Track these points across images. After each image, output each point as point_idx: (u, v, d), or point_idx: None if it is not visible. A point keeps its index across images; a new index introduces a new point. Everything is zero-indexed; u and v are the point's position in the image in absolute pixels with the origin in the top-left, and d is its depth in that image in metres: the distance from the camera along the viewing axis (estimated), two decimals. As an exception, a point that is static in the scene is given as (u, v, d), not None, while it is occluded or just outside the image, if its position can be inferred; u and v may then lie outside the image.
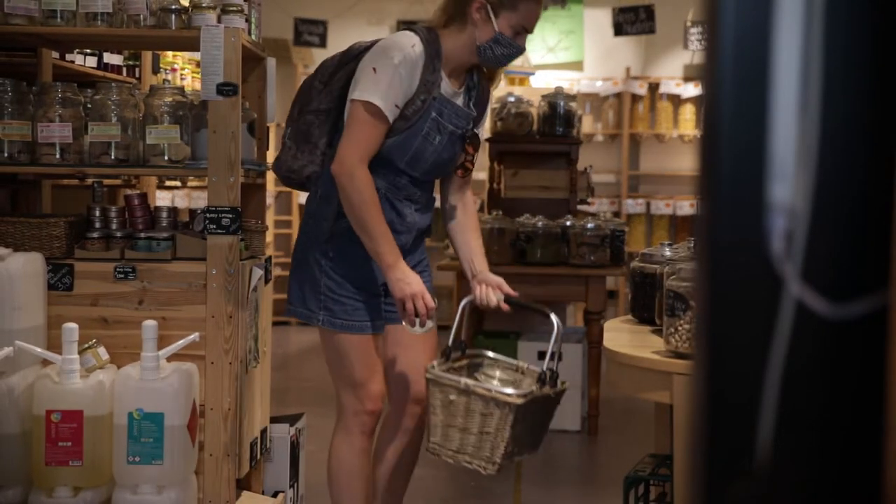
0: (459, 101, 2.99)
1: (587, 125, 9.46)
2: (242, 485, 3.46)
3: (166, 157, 3.31)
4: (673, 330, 2.53)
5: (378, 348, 3.04)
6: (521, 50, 2.98)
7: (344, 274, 2.95)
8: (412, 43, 2.88)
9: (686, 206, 9.44)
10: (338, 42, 9.69)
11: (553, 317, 2.93)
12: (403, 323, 2.85)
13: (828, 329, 0.95)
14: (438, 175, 3.08)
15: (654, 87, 9.65)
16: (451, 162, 3.04)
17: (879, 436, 0.92)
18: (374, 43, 2.98)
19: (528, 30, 2.95)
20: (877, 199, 0.94)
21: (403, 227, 2.98)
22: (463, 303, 3.02)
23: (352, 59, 2.99)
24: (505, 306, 3.00)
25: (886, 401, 0.91)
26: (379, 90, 2.82)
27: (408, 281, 2.81)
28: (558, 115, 5.91)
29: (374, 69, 2.84)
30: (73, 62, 4.59)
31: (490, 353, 3.06)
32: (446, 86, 2.96)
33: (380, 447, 3.15)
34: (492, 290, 3.01)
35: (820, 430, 0.96)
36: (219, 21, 3.27)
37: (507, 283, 3.03)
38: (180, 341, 3.10)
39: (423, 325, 2.82)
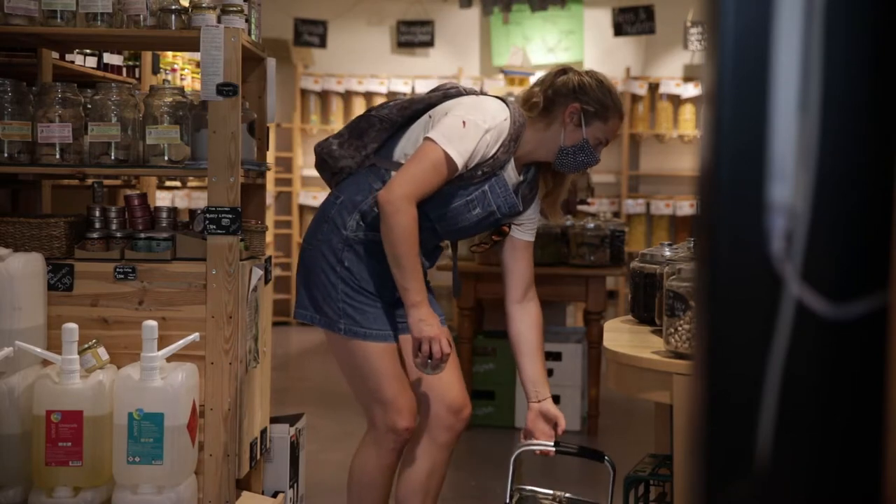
0: (512, 188, 2.97)
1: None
2: (242, 485, 3.46)
3: (166, 158, 3.31)
4: (673, 330, 2.53)
5: (399, 359, 2.99)
6: (597, 161, 2.98)
7: (359, 282, 2.92)
8: (504, 117, 2.87)
9: (686, 207, 9.44)
10: (338, 42, 9.71)
11: (607, 461, 3.00)
12: (415, 361, 2.80)
13: (828, 329, 0.95)
14: (456, 238, 3.11)
15: (653, 88, 9.65)
16: (473, 235, 3.09)
17: (879, 436, 0.92)
18: (465, 91, 2.99)
19: (608, 142, 2.97)
20: (877, 200, 0.94)
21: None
22: (515, 454, 2.98)
23: (441, 96, 2.99)
24: (551, 452, 3.01)
25: (886, 401, 0.91)
26: (461, 146, 2.79)
27: (429, 322, 2.77)
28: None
29: (465, 123, 2.81)
30: (73, 62, 4.59)
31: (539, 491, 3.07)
32: (510, 170, 2.95)
33: (408, 461, 3.07)
34: (547, 428, 3.05)
35: (820, 431, 0.96)
36: (219, 21, 3.27)
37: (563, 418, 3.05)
38: (180, 341, 3.10)
39: (434, 367, 2.79)
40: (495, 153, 2.86)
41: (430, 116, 2.94)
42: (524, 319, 3.08)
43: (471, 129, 2.80)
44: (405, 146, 2.95)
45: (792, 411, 0.95)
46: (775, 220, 0.95)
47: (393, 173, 2.90)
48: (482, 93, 3.03)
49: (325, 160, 3.05)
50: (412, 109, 2.97)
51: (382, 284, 2.92)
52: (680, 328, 2.51)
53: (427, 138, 2.81)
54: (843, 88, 0.96)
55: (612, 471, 3.09)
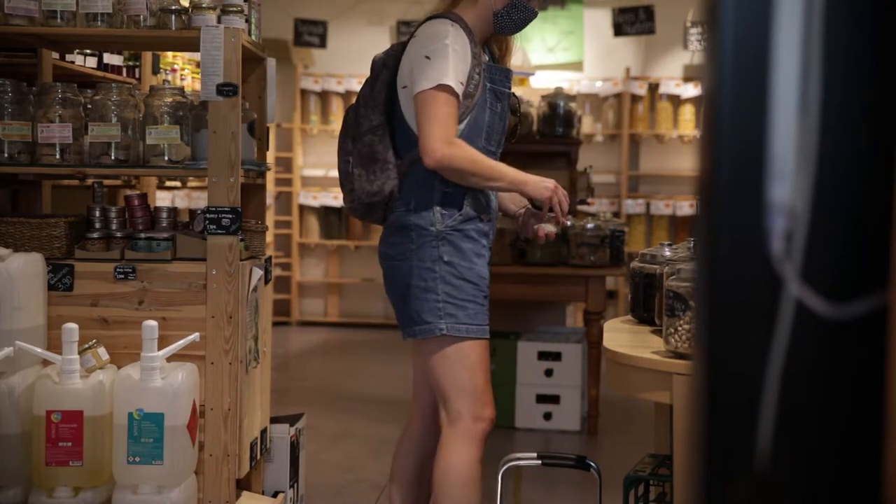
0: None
1: (587, 125, 9.47)
2: (242, 485, 3.46)
3: (166, 158, 3.31)
4: (673, 330, 2.53)
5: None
6: (535, 14, 2.99)
7: (461, 275, 2.90)
8: (448, 24, 2.88)
9: (686, 207, 9.44)
10: (338, 42, 9.70)
11: (593, 469, 3.06)
12: (542, 226, 2.96)
13: (827, 329, 0.95)
14: (505, 145, 3.10)
15: (653, 88, 9.65)
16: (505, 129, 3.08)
17: (879, 436, 0.92)
18: (395, 48, 2.99)
19: None
20: (876, 199, 0.94)
21: (492, 213, 3.01)
22: (501, 470, 3.11)
23: (380, 69, 2.99)
24: (550, 234, 3.06)
25: (886, 401, 0.92)
26: (441, 72, 2.80)
27: (544, 180, 2.89)
28: (558, 116, 5.91)
29: (427, 57, 2.82)
30: (73, 63, 4.59)
31: None
32: (484, 55, 2.99)
33: (404, 462, 3.12)
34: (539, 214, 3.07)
35: (819, 431, 0.96)
36: (219, 21, 3.27)
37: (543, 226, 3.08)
38: (180, 341, 3.10)
39: (560, 221, 2.93)
40: (472, 54, 2.88)
41: (402, 78, 2.93)
42: None
43: (436, 56, 2.82)
44: (411, 120, 2.92)
45: (792, 411, 0.95)
46: (775, 220, 0.95)
47: None
48: (419, 24, 3.00)
49: (372, 202, 2.95)
50: (381, 96, 2.96)
51: (480, 272, 2.93)
52: (680, 328, 2.51)
53: (415, 96, 2.84)
54: (843, 88, 0.96)
55: (598, 478, 3.09)
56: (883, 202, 0.94)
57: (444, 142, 2.78)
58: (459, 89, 2.82)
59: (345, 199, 3.04)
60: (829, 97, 0.95)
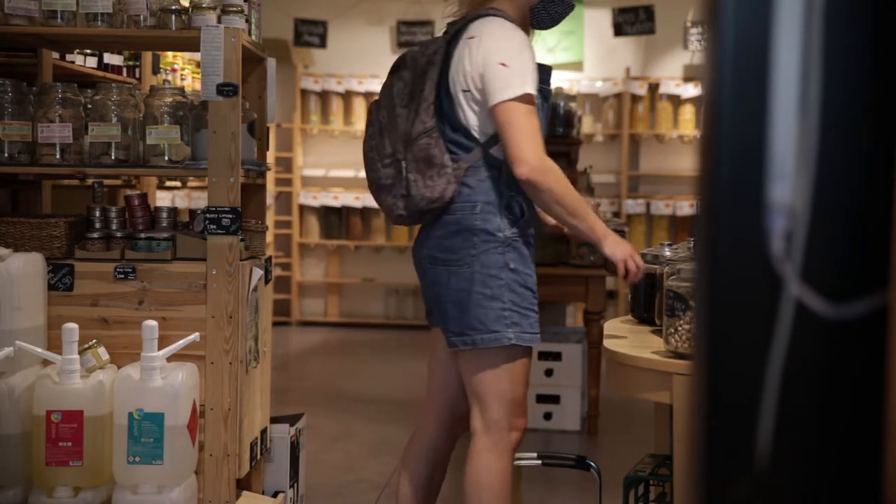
0: None
1: (587, 125, 9.47)
2: (242, 485, 3.46)
3: (166, 158, 3.31)
4: (673, 330, 2.53)
5: None
6: (572, 6, 2.94)
7: (524, 283, 2.84)
8: (510, 24, 2.82)
9: (686, 207, 9.44)
10: (338, 42, 9.71)
11: (594, 469, 3.06)
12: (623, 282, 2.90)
13: (827, 329, 0.95)
14: None
15: (653, 88, 9.65)
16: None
17: (879, 436, 0.92)
18: (437, 44, 2.89)
19: None
20: (877, 199, 0.94)
21: (534, 218, 2.95)
22: None
23: (426, 67, 2.87)
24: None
25: (886, 401, 0.92)
26: (522, 81, 2.74)
27: (622, 243, 2.84)
28: (558, 116, 5.91)
29: (503, 64, 2.75)
30: (73, 62, 4.59)
31: None
32: None
33: (415, 464, 3.08)
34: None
35: (819, 431, 0.96)
36: (219, 21, 3.27)
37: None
38: (180, 341, 3.10)
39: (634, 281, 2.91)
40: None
41: (459, 83, 2.83)
42: None
43: (513, 63, 2.75)
44: (472, 124, 2.84)
45: (792, 411, 0.95)
46: (775, 220, 0.95)
47: (493, 151, 2.83)
48: (466, 21, 2.89)
49: (430, 209, 2.82)
50: (432, 97, 2.84)
51: (534, 280, 2.88)
52: (680, 328, 2.51)
53: (494, 106, 2.74)
54: (843, 88, 0.96)
55: (598, 478, 3.09)
56: (883, 202, 0.94)
57: (539, 157, 2.72)
58: (534, 96, 2.77)
59: (391, 206, 2.88)
60: (829, 97, 0.95)
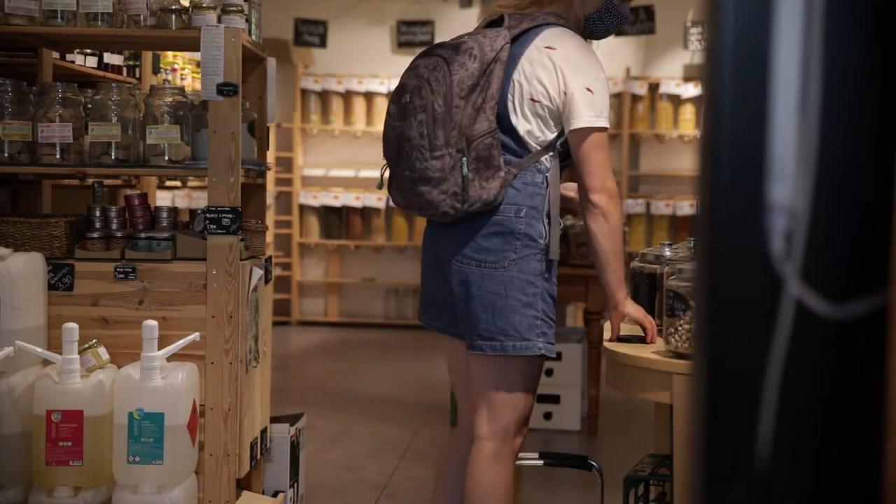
0: None
1: (587, 125, 9.46)
2: (242, 485, 3.46)
3: (166, 158, 3.31)
4: (673, 330, 2.53)
5: None
6: (626, 18, 2.92)
7: (552, 293, 2.83)
8: (582, 40, 2.83)
9: (686, 207, 9.44)
10: (338, 42, 9.71)
11: (595, 469, 3.04)
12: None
13: (827, 329, 0.95)
14: None
15: (653, 88, 9.65)
16: None
17: (879, 436, 0.92)
18: (499, 36, 2.77)
19: None
20: (876, 199, 0.94)
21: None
22: None
23: (492, 61, 2.74)
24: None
25: (886, 401, 0.92)
26: (604, 111, 2.80)
27: (639, 308, 2.84)
28: (558, 116, 5.90)
29: (590, 90, 2.77)
30: (73, 62, 4.59)
31: None
32: None
33: (453, 483, 2.98)
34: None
35: (820, 431, 0.96)
36: (219, 21, 3.27)
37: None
38: (180, 341, 3.10)
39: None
40: None
41: (526, 90, 2.78)
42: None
43: (598, 89, 2.79)
44: (526, 132, 2.79)
45: (792, 411, 0.95)
46: (775, 220, 0.95)
47: (543, 159, 2.80)
48: (539, 25, 2.82)
49: (481, 210, 2.72)
50: (497, 95, 2.74)
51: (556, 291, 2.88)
52: (680, 328, 2.51)
53: (578, 130, 2.76)
54: (843, 88, 0.96)
55: (600, 477, 3.09)
56: (883, 202, 0.94)
57: (613, 186, 2.81)
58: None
59: (436, 202, 2.72)
60: (829, 97, 0.95)
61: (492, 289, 2.75)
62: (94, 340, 3.11)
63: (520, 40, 2.82)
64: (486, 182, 2.71)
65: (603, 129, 2.79)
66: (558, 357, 5.62)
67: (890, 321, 0.92)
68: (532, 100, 2.78)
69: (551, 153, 2.82)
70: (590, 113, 2.77)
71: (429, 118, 2.70)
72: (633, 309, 2.82)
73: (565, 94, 2.77)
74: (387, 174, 2.85)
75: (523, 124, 2.79)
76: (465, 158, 2.68)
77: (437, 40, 9.62)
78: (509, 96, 2.79)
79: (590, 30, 2.89)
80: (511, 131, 2.79)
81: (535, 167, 2.80)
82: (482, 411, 2.85)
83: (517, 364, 2.80)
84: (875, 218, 0.95)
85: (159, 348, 3.05)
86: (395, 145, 2.76)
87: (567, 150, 2.86)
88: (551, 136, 2.81)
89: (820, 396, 0.95)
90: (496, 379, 2.82)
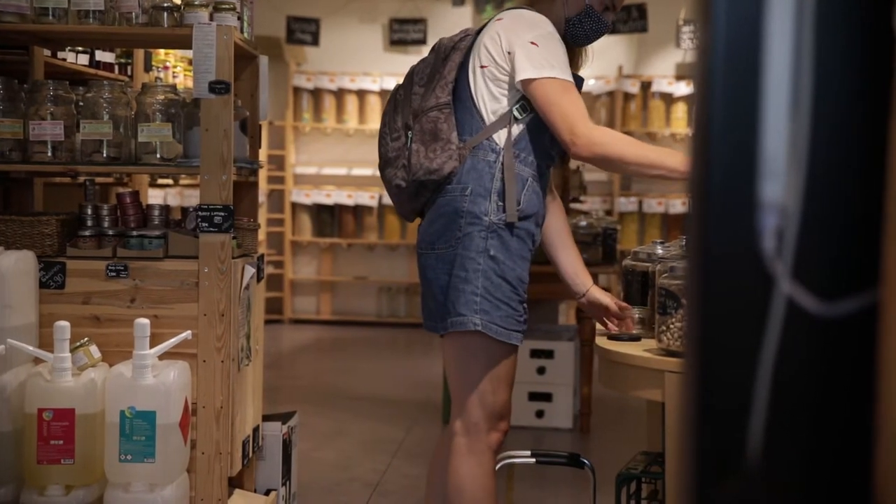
0: None
1: (579, 123, 9.47)
2: (235, 483, 3.45)
3: (158, 156, 3.31)
4: (665, 328, 2.54)
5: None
6: (607, 27, 2.89)
7: (502, 273, 2.75)
8: (546, 20, 2.80)
9: (678, 205, 9.45)
10: (330, 40, 9.70)
11: (588, 467, 3.04)
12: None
13: (818, 327, 0.95)
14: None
15: (646, 86, 9.66)
16: None
17: (870, 433, 0.93)
18: (466, 34, 2.87)
19: (616, 6, 2.88)
20: (867, 198, 0.95)
21: (542, 217, 2.88)
22: (497, 466, 2.91)
23: (450, 51, 2.85)
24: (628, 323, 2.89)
25: (876, 398, 0.92)
26: (554, 61, 2.72)
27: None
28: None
29: (534, 42, 2.72)
30: (64, 60, 4.58)
31: None
32: None
33: (439, 478, 2.94)
34: (600, 314, 2.95)
35: (811, 428, 0.96)
36: (211, 19, 3.27)
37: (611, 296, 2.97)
38: (172, 339, 3.10)
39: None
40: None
41: (478, 61, 2.81)
42: (555, 212, 3.03)
43: (543, 42, 2.73)
44: (481, 103, 2.80)
45: (783, 409, 0.95)
46: (766, 218, 0.96)
47: (495, 137, 2.78)
48: (500, 10, 2.86)
49: (428, 179, 2.77)
50: (451, 76, 2.81)
51: (521, 276, 2.80)
52: (672, 326, 2.51)
53: (527, 81, 2.71)
54: (835, 87, 0.96)
55: (592, 475, 3.09)
56: (874, 200, 0.94)
57: (587, 133, 2.68)
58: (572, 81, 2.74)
59: (392, 177, 2.85)
60: (820, 95, 0.96)
61: (443, 270, 2.78)
62: (86, 339, 3.11)
63: (486, 27, 2.88)
64: (433, 153, 2.77)
65: (554, 79, 2.70)
66: (550, 355, 5.63)
67: (880, 319, 0.92)
68: (481, 66, 2.81)
69: (505, 127, 2.79)
70: (534, 64, 2.71)
71: (391, 108, 2.90)
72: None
73: (509, 52, 2.76)
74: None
75: (480, 95, 2.81)
76: (410, 132, 2.81)
77: (430, 38, 9.64)
78: (469, 70, 2.83)
79: (571, 34, 2.88)
80: (471, 106, 2.81)
81: (489, 144, 2.78)
82: (453, 403, 2.87)
83: (475, 350, 2.78)
84: (866, 216, 0.95)
85: (151, 346, 3.05)
86: (378, 138, 2.96)
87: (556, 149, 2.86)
88: (505, 103, 2.79)
89: (811, 394, 0.96)
90: (458, 366, 2.83)
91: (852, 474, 0.96)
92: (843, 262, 0.96)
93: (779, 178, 0.95)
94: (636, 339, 2.81)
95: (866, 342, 0.94)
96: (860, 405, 0.95)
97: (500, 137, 2.79)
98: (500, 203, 2.75)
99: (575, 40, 2.90)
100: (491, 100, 2.79)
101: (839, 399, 0.96)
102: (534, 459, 3.22)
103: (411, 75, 2.92)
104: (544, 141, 2.81)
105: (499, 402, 2.82)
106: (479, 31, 2.89)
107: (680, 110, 9.60)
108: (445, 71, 2.82)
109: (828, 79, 0.96)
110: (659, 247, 3.07)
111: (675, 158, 2.72)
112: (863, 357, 0.94)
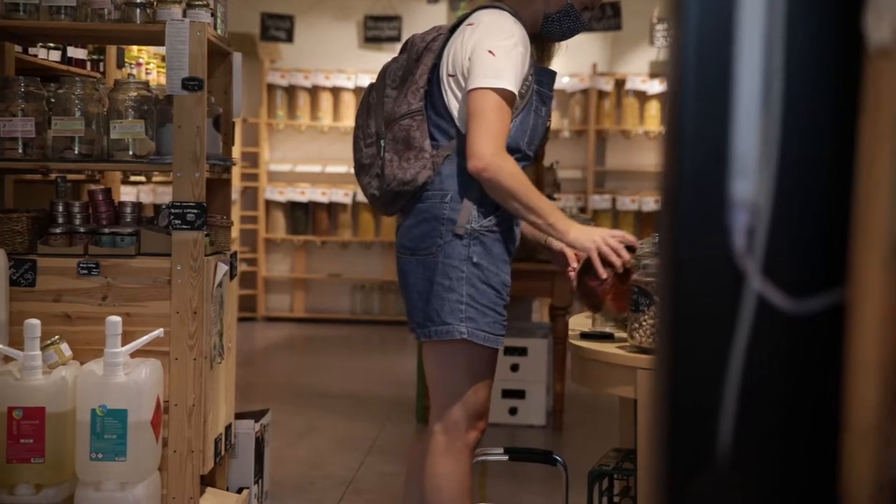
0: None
1: (554, 121, 9.49)
2: (207, 481, 3.44)
3: (131, 153, 3.29)
4: (637, 325, 2.55)
5: None
6: (584, 26, 2.89)
7: (486, 279, 2.75)
8: (513, 20, 2.77)
9: (651, 202, 9.49)
10: (305, 37, 9.68)
11: (560, 464, 3.03)
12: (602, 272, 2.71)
13: (788, 324, 0.96)
14: (537, 152, 2.95)
15: (620, 84, 9.69)
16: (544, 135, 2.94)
17: (837, 429, 0.93)
18: (439, 31, 2.86)
19: (593, 6, 2.88)
20: (837, 196, 0.95)
21: (517, 221, 2.86)
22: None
23: (422, 52, 2.83)
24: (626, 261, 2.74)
25: (844, 394, 0.93)
26: (505, 74, 2.69)
27: (587, 230, 2.73)
28: (525, 112, 5.91)
29: (491, 52, 2.70)
30: (36, 56, 4.54)
31: None
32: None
33: (417, 478, 2.93)
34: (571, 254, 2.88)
35: (779, 424, 0.97)
36: (184, 15, 3.25)
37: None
38: (144, 337, 3.08)
39: (623, 266, 2.69)
40: (530, 55, 2.78)
41: (447, 68, 2.80)
42: None
43: (501, 54, 2.70)
44: (455, 110, 2.79)
45: (753, 405, 0.96)
46: (737, 216, 0.96)
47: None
48: (473, 10, 2.86)
49: (402, 190, 2.76)
50: (422, 80, 2.80)
51: (504, 280, 2.79)
52: (644, 323, 2.53)
53: (471, 91, 2.69)
54: (805, 86, 0.97)
55: (565, 472, 3.09)
56: (843, 199, 0.95)
57: (494, 153, 2.65)
58: (516, 93, 2.72)
59: (367, 186, 2.85)
60: (791, 94, 0.96)
61: (424, 276, 2.76)
62: (57, 336, 3.09)
63: (458, 28, 2.86)
64: (406, 162, 2.75)
65: (500, 92, 2.68)
66: (524, 352, 5.64)
67: (848, 316, 0.93)
68: (449, 74, 2.80)
69: None
70: (484, 73, 2.69)
71: (363, 110, 2.88)
72: (579, 241, 2.71)
73: (469, 59, 2.74)
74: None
75: (451, 103, 2.80)
76: (382, 141, 2.80)
77: (405, 36, 9.62)
78: (440, 77, 2.82)
79: (546, 29, 2.87)
80: (444, 113, 2.80)
81: (464, 151, 2.75)
82: (433, 404, 2.87)
83: (451, 353, 2.78)
84: (835, 214, 0.96)
85: (123, 344, 3.03)
86: (352, 141, 2.94)
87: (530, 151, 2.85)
88: None
89: (780, 391, 0.96)
90: (440, 370, 2.82)
91: (821, 470, 0.97)
92: (812, 259, 0.96)
93: (750, 176, 0.96)
94: (609, 336, 2.82)
95: (834, 339, 0.94)
96: (828, 401, 0.95)
97: None
98: (482, 209, 2.75)
99: (550, 36, 2.91)
100: (461, 107, 2.78)
101: (808, 396, 0.97)
102: (507, 456, 3.23)
103: (384, 75, 2.90)
104: (521, 143, 2.81)
105: (479, 402, 2.82)
106: (451, 30, 2.87)
107: (653, 108, 9.64)
108: (417, 75, 2.81)
109: (798, 78, 0.96)
110: (632, 244, 3.08)
111: (558, 216, 2.72)
112: (831, 354, 0.95)
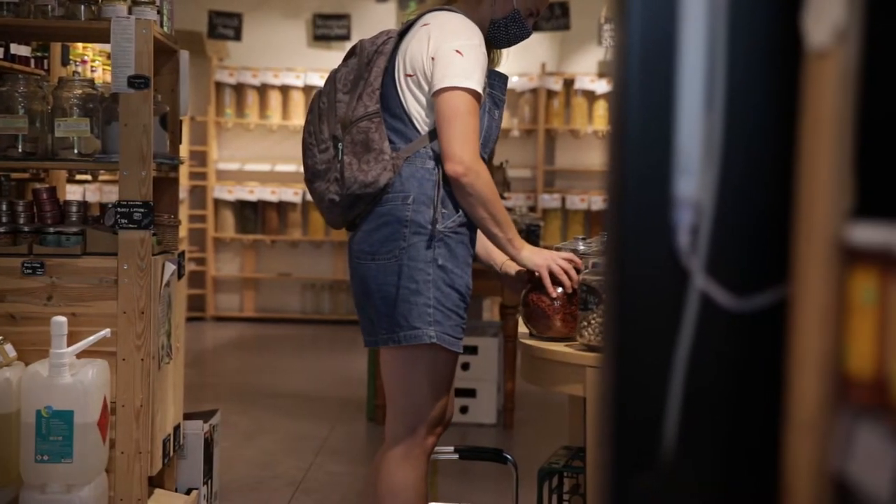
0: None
1: (503, 120, 9.51)
2: (155, 482, 3.41)
3: (76, 151, 3.25)
4: (586, 323, 2.56)
5: None
6: (529, 33, 2.88)
7: (451, 282, 2.71)
8: (469, 22, 2.75)
9: (601, 201, 9.54)
10: (253, 35, 9.62)
11: (510, 462, 3.03)
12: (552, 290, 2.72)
13: (731, 321, 0.97)
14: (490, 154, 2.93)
15: (569, 83, 9.73)
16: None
17: (780, 424, 0.95)
18: (389, 35, 2.83)
19: (538, 13, 2.87)
20: (778, 195, 0.97)
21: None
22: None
23: (373, 55, 2.79)
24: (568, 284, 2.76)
25: (786, 390, 0.94)
26: (474, 74, 2.67)
27: (540, 251, 2.76)
28: (474, 111, 5.92)
29: (459, 51, 2.67)
30: (-22, 53, 4.48)
31: None
32: None
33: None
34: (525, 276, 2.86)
35: (724, 420, 0.98)
36: (130, 13, 3.22)
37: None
38: (90, 337, 3.05)
39: (570, 286, 2.71)
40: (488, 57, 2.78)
41: (404, 69, 2.77)
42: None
43: (468, 54, 2.68)
44: (415, 112, 2.76)
45: (697, 401, 0.97)
46: (681, 215, 0.97)
47: (432, 145, 2.73)
48: (423, 13, 2.84)
49: (364, 193, 2.72)
50: (377, 83, 2.77)
51: (468, 282, 2.76)
52: (593, 321, 2.54)
53: (441, 90, 2.67)
54: (747, 86, 0.98)
55: (515, 470, 3.10)
56: (784, 197, 0.96)
57: (474, 158, 2.65)
58: (481, 96, 2.71)
59: (324, 192, 2.78)
60: (733, 94, 0.97)
61: (387, 281, 2.71)
62: (0, 337, 3.05)
63: (410, 30, 2.83)
64: (366, 165, 2.71)
65: (470, 93, 2.67)
66: (474, 351, 5.64)
67: (790, 313, 0.94)
68: (408, 75, 2.77)
69: None
70: (455, 73, 2.67)
71: (314, 117, 2.82)
72: (532, 260, 2.74)
73: (433, 58, 2.71)
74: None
75: (410, 105, 2.77)
76: (340, 144, 2.75)
77: (354, 35, 9.61)
78: (395, 79, 2.79)
79: (492, 35, 2.86)
80: (402, 115, 2.77)
81: (426, 152, 2.74)
82: (390, 411, 2.82)
83: (415, 358, 2.74)
84: (777, 212, 0.97)
85: (69, 345, 2.99)
86: (302, 148, 2.88)
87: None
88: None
89: (724, 387, 0.97)
90: (403, 376, 2.77)
91: (764, 465, 0.98)
92: (755, 257, 0.98)
93: (693, 175, 0.97)
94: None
95: (777, 336, 0.96)
96: (770, 396, 0.97)
97: (438, 145, 2.74)
98: (444, 211, 2.71)
99: (496, 42, 2.89)
100: (422, 108, 2.75)
101: (751, 391, 0.98)
102: (457, 455, 3.23)
103: (333, 80, 2.85)
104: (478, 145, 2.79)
105: (439, 408, 2.79)
106: (401, 34, 2.85)
107: (602, 108, 9.70)
108: (371, 77, 2.77)
109: (741, 78, 0.97)
110: (581, 243, 3.09)
111: (516, 233, 2.76)
112: (773, 350, 0.96)
